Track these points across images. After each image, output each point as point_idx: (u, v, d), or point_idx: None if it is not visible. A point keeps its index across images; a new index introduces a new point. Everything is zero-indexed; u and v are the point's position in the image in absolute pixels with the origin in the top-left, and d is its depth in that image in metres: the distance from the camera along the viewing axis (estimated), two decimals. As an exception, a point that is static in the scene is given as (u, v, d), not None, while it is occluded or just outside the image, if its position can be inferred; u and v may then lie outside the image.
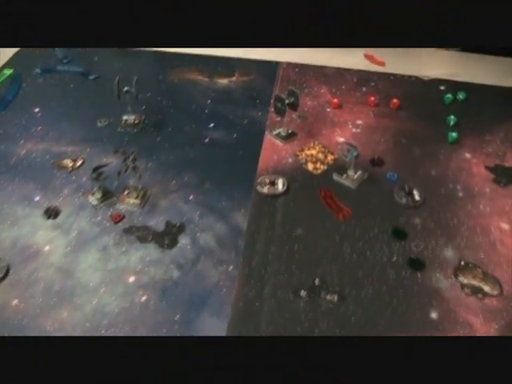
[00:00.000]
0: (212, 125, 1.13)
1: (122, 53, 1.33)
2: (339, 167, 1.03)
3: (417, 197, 0.99)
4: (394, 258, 0.89)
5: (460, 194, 1.01)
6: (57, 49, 1.35)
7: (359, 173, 1.02)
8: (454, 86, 1.25)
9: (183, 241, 0.92)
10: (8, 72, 1.28)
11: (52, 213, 0.96)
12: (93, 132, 1.12)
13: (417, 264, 0.88)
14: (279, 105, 1.06)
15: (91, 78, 1.26)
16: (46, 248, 0.91)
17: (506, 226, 0.95)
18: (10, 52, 1.35)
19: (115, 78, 1.08)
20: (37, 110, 1.18)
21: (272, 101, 1.13)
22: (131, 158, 0.94)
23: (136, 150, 1.01)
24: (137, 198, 0.97)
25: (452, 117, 1.15)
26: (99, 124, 1.13)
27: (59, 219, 0.95)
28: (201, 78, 1.25)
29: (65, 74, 1.29)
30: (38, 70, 1.29)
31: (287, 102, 1.06)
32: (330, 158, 1.05)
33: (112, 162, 1.00)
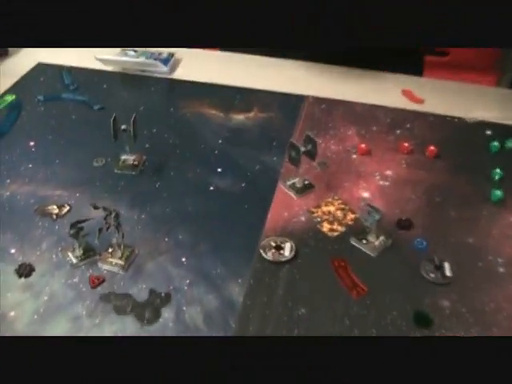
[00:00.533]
0: (220, 170, 0.99)
1: (132, 80, 1.21)
2: (359, 230, 0.88)
3: (448, 272, 0.83)
4: (413, 353, 0.73)
5: (501, 270, 0.85)
6: (65, 73, 1.24)
7: (382, 238, 0.87)
8: (503, 131, 1.08)
9: (166, 315, 0.79)
10: (9, 98, 1.17)
11: (25, 271, 0.84)
12: (87, 173, 1.00)
13: (441, 362, 0.73)
14: (293, 153, 0.92)
15: (96, 108, 1.14)
16: (12, 313, 0.79)
17: (555, 315, 0.79)
18: (15, 77, 1.24)
19: (112, 115, 0.96)
20: (32, 143, 1.06)
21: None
22: (113, 215, 0.81)
23: (121, 203, 0.89)
24: (121, 258, 0.84)
25: (498, 170, 0.99)
26: (95, 164, 1.02)
27: (32, 278, 0.84)
28: (215, 113, 1.12)
29: (69, 103, 1.17)
30: (40, 98, 1.17)
31: (303, 149, 0.91)
32: (349, 217, 0.90)
33: (95, 217, 0.87)
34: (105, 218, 0.82)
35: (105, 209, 0.82)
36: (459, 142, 1.06)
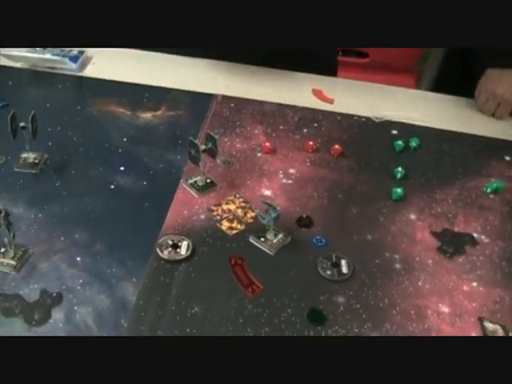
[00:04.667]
0: (122, 168, 0.97)
1: (40, 77, 1.18)
2: (258, 228, 0.87)
3: (344, 269, 0.84)
4: (304, 350, 0.73)
5: (397, 266, 0.86)
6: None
7: (280, 236, 0.87)
8: (408, 130, 1.10)
9: (56, 316, 0.77)
10: None
11: None
12: (-16, 172, 0.97)
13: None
14: (193, 152, 0.91)
15: (-1, 105, 1.10)
16: None
17: (445, 310, 0.80)
18: None
19: (10, 112, 0.93)
20: None
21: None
22: (2, 214, 0.78)
23: (18, 202, 0.88)
24: (13, 258, 0.82)
25: (400, 168, 1.00)
26: (-5, 162, 0.98)
27: None
28: (122, 111, 1.10)
29: (-29, 100, 1.13)
30: None
31: (203, 148, 0.91)
32: (250, 215, 0.90)
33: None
34: (-6, 217, 0.79)
35: (-6, 208, 0.80)
36: (365, 140, 1.07)
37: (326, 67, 1.29)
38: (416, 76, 1.91)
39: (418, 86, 1.90)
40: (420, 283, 0.84)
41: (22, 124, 0.95)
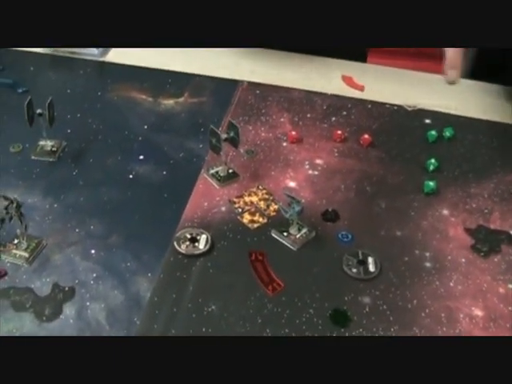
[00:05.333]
0: (141, 157, 0.94)
1: (61, 62, 1.15)
2: (281, 222, 0.83)
3: (371, 267, 0.79)
4: (326, 353, 0.69)
5: (427, 265, 0.81)
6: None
7: (304, 231, 0.82)
8: (442, 119, 1.04)
9: (67, 312, 0.74)
10: None
11: None
12: (1, 159, 0.94)
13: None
14: (214, 141, 0.87)
15: (20, 91, 1.07)
16: None
17: (478, 313, 0.75)
18: None
19: (27, 98, 0.91)
20: None
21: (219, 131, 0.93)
22: (14, 204, 0.75)
23: (34, 191, 0.87)
24: (26, 249, 0.79)
25: (433, 160, 0.95)
26: (12, 149, 0.95)
27: None
28: (144, 98, 1.07)
29: (-9, 85, 1.10)
30: (-40, 80, 1.11)
31: (225, 136, 0.86)
32: (272, 208, 0.86)
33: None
34: (5, 208, 0.76)
35: (5, 198, 0.76)
36: (396, 130, 1.02)
37: (356, 52, 1.24)
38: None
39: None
40: (452, 284, 0.79)
41: (38, 111, 0.91)
